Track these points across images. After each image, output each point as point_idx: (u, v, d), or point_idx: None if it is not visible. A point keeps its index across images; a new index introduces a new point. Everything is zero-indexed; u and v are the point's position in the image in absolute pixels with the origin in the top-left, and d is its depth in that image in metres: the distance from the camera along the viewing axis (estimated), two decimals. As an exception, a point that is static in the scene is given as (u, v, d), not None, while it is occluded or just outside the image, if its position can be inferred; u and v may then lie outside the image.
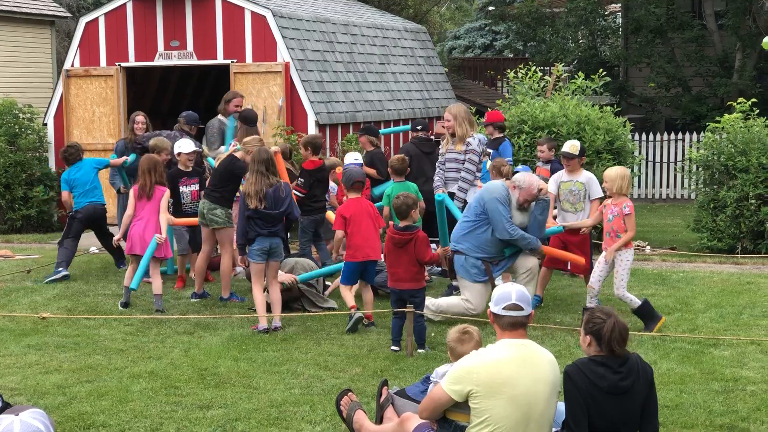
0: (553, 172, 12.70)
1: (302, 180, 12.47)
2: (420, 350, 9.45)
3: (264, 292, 10.53)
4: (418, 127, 14.52)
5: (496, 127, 13.50)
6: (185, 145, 12.42)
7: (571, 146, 11.47)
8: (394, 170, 12.72)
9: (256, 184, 10.27)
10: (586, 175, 11.51)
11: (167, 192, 11.69)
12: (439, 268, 12.98)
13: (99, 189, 13.53)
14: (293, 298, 11.25)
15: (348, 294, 10.51)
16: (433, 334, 10.02)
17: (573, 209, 11.41)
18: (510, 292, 6.11)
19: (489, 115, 13.90)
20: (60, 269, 12.99)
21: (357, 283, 10.65)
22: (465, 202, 11.97)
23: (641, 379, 5.94)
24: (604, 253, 10.40)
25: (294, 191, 11.99)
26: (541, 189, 10.56)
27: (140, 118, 14.25)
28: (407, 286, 9.60)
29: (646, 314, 10.27)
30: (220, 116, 14.68)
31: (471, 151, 12.29)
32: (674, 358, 9.11)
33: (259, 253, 10.33)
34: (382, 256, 10.06)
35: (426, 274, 10.62)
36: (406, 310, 9.39)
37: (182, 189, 12.32)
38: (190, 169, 12.41)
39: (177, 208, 12.39)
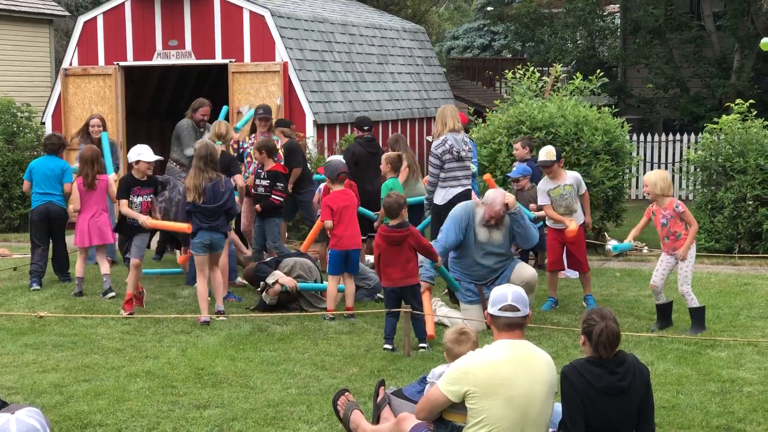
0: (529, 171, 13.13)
1: (281, 185, 12.40)
2: (422, 345, 9.47)
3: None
4: (365, 128, 14.51)
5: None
6: (146, 153, 11.37)
7: (547, 153, 11.29)
8: (392, 167, 12.83)
9: (195, 178, 10.62)
10: (571, 176, 11.48)
11: (110, 178, 12.41)
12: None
13: (60, 190, 12.77)
14: (291, 299, 11.25)
15: (332, 294, 10.83)
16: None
17: (569, 212, 11.40)
18: (506, 294, 6.11)
19: None
20: (33, 284, 12.52)
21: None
22: (430, 202, 12.22)
23: (638, 380, 5.96)
24: (664, 253, 10.35)
25: (276, 197, 12.25)
26: (506, 204, 10.24)
27: (95, 120, 13.85)
28: (407, 282, 9.62)
29: (698, 318, 10.27)
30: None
31: (430, 153, 12.21)
32: (671, 359, 9.12)
33: (200, 246, 10.63)
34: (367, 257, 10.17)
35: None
36: (402, 310, 9.40)
37: (132, 198, 11.33)
38: (146, 178, 11.42)
39: (121, 217, 11.56)
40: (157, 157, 11.55)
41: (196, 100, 14.52)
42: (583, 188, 11.60)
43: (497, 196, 10.28)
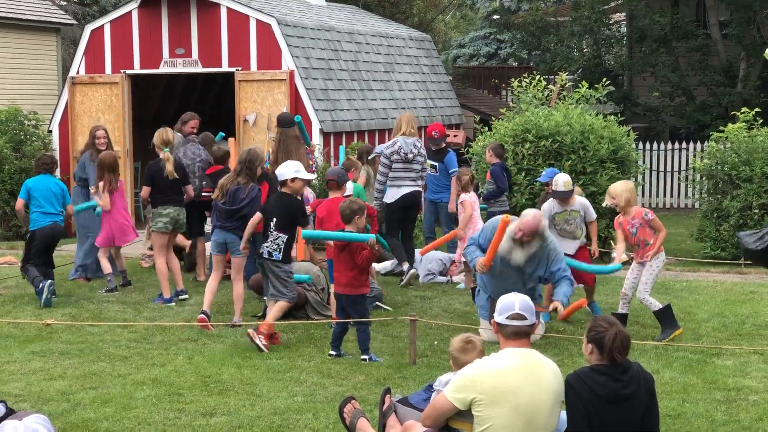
0: (492, 174, 13.39)
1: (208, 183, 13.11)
2: (363, 357, 9.46)
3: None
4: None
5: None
6: (304, 171, 10.48)
7: (565, 184, 11.12)
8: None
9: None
10: (579, 202, 11.36)
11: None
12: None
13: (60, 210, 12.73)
14: (297, 306, 11.26)
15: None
16: (436, 342, 10.04)
17: (572, 237, 11.29)
18: (513, 302, 6.13)
19: (430, 127, 14.39)
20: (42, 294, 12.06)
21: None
22: (380, 205, 13.13)
23: (642, 388, 5.96)
24: (634, 262, 10.40)
25: (206, 194, 12.96)
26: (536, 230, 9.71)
27: (101, 132, 13.78)
28: (344, 290, 9.60)
29: (666, 319, 10.32)
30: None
31: (381, 154, 13.31)
32: (677, 368, 9.12)
33: (215, 244, 10.98)
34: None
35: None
36: (408, 317, 9.40)
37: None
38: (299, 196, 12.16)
39: None
40: (311, 176, 11.05)
41: (186, 113, 14.40)
42: (592, 216, 11.45)
43: (534, 212, 9.88)
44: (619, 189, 10.34)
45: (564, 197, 11.21)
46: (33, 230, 12.49)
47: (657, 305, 10.35)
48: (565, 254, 10.60)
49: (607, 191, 10.58)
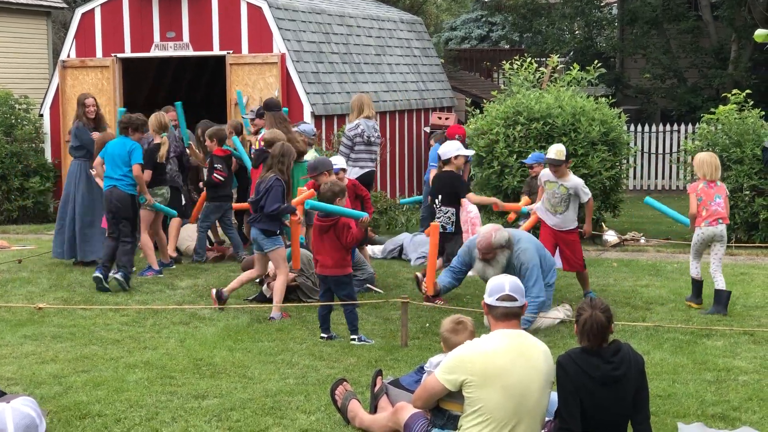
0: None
1: (219, 165, 13.37)
2: (353, 338, 9.49)
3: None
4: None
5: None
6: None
7: (557, 152, 11.06)
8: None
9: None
10: (572, 181, 11.19)
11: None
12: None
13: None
14: (289, 289, 11.27)
15: None
16: (428, 325, 10.07)
17: (553, 210, 11.21)
18: (503, 284, 6.16)
19: (453, 129, 14.48)
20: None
21: None
22: None
23: (632, 369, 6.01)
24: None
25: (216, 176, 13.21)
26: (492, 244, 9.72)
27: (90, 101, 13.63)
28: (331, 272, 9.60)
29: (722, 300, 10.62)
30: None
31: (343, 134, 13.83)
32: (667, 349, 9.16)
33: (253, 241, 10.86)
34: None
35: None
36: (399, 299, 9.43)
37: None
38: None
39: None
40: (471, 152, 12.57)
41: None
42: (585, 197, 11.20)
43: (486, 229, 9.87)
44: (699, 161, 10.96)
45: (554, 165, 11.10)
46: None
47: (722, 285, 10.70)
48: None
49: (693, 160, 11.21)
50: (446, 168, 11.59)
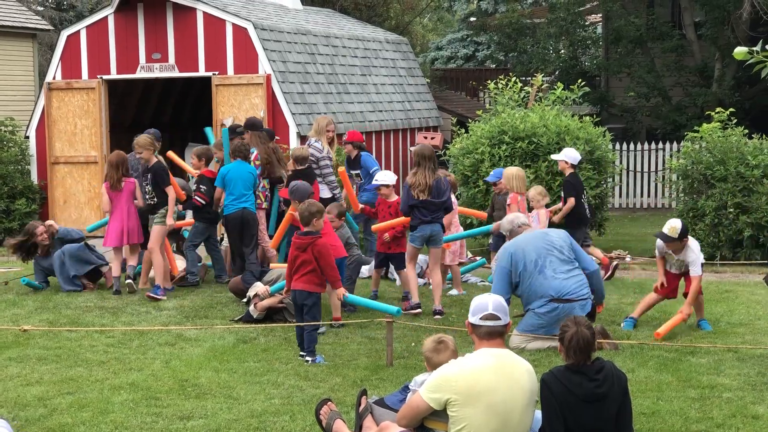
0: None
1: (204, 187, 13.20)
2: (305, 357, 9.44)
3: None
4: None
5: (354, 146, 14.83)
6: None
7: (670, 229, 10.32)
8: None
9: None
10: (690, 257, 10.46)
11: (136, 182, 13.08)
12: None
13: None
14: (275, 310, 11.28)
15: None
16: (413, 344, 10.08)
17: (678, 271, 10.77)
18: (487, 303, 6.19)
19: (348, 135, 15.05)
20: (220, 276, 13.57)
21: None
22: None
23: (615, 387, 6.04)
24: None
25: (198, 198, 13.14)
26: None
27: (41, 229, 13.31)
28: (300, 287, 9.58)
29: None
30: None
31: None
32: (652, 366, 9.19)
33: None
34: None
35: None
36: (383, 320, 9.44)
37: None
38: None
39: None
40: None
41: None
42: (695, 273, 10.45)
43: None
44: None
45: (666, 241, 10.43)
46: (225, 215, 12.74)
47: None
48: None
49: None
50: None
